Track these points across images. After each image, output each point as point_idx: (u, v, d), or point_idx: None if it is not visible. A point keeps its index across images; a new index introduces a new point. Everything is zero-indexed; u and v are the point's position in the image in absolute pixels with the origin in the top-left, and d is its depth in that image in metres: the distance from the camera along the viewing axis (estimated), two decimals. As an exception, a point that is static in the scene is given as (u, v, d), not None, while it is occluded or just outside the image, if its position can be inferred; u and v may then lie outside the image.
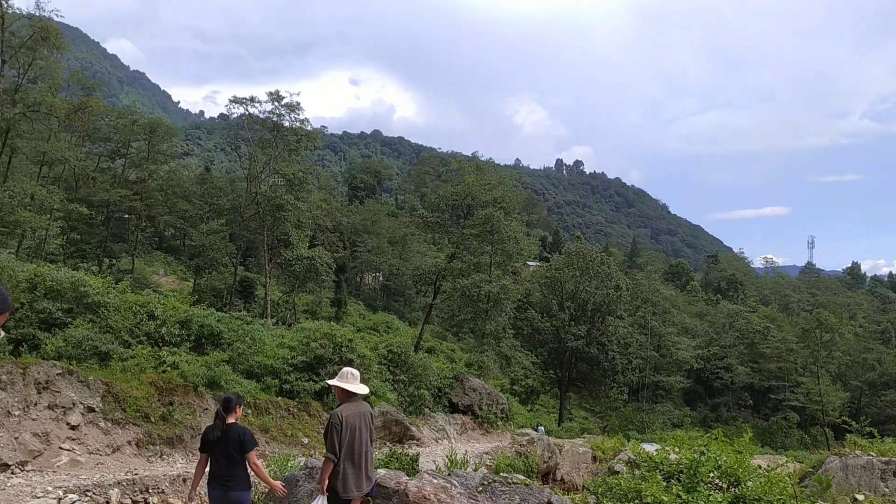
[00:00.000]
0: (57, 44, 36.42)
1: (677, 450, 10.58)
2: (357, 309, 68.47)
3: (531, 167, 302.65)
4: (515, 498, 6.43)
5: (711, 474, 8.01)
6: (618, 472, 18.38)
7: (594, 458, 26.06)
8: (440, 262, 49.47)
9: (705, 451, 8.44)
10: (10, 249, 30.46)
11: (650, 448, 18.28)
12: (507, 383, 48.74)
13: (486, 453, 22.21)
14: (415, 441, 22.60)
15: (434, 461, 14.34)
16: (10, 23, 34.93)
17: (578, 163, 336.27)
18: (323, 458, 6.59)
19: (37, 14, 36.33)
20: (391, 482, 6.53)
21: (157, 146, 51.47)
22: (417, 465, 11.57)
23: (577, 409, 60.37)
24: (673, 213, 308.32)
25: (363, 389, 6.53)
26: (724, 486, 7.94)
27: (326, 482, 6.28)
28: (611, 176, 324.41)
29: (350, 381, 6.54)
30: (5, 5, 34.46)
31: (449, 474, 6.91)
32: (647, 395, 65.22)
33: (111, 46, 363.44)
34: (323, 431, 6.78)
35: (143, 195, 49.63)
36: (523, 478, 7.54)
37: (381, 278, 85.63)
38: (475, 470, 10.09)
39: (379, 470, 7.51)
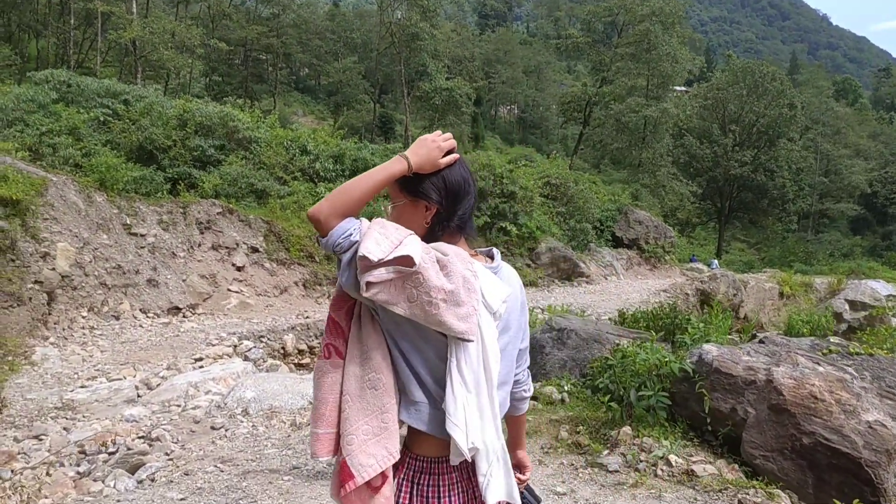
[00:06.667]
0: None
1: None
2: (493, 143, 66.00)
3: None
4: (866, 375, 4.37)
5: None
6: (840, 314, 16.03)
7: (781, 295, 23.67)
8: (590, 88, 45.52)
9: None
10: (158, 87, 30.17)
11: (877, 286, 15.66)
12: (661, 215, 45.76)
13: (664, 291, 20.25)
14: (584, 278, 20.96)
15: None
16: None
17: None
18: None
19: None
20: (738, 367, 3.84)
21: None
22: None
23: (733, 241, 56.79)
24: (834, 24, 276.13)
25: None
26: None
27: None
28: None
29: None
30: None
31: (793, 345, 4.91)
32: (812, 224, 60.26)
33: None
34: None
35: (278, 31, 48.42)
36: (858, 345, 5.43)
37: (516, 111, 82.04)
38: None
39: (705, 345, 4.79)
